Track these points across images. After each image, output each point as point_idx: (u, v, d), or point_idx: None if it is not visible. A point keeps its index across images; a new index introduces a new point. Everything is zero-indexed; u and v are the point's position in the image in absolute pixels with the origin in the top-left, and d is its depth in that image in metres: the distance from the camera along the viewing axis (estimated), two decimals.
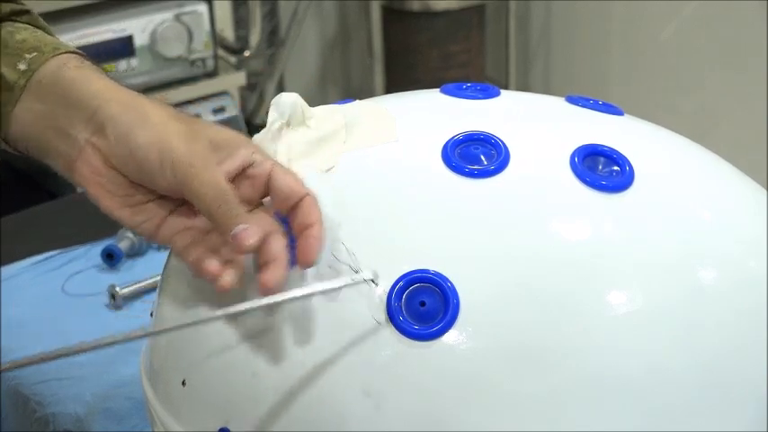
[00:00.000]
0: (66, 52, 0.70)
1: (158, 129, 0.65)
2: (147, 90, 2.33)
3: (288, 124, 0.68)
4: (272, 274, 0.59)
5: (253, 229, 0.60)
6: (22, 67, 0.69)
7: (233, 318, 0.61)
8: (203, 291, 0.65)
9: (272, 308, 0.58)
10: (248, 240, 0.60)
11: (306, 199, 0.62)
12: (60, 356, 0.50)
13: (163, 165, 0.63)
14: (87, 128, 0.66)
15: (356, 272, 0.58)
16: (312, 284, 0.58)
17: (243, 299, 0.60)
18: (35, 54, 0.69)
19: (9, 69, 0.68)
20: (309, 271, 0.60)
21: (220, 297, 0.63)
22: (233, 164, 0.63)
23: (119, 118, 0.65)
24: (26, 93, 0.68)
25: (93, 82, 0.68)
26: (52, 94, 0.68)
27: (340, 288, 0.58)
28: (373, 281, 0.58)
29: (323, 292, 0.58)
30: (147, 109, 0.66)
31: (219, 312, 0.58)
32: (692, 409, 0.57)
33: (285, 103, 0.68)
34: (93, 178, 0.67)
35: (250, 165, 0.64)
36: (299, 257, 0.60)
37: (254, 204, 0.64)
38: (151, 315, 0.74)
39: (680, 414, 0.57)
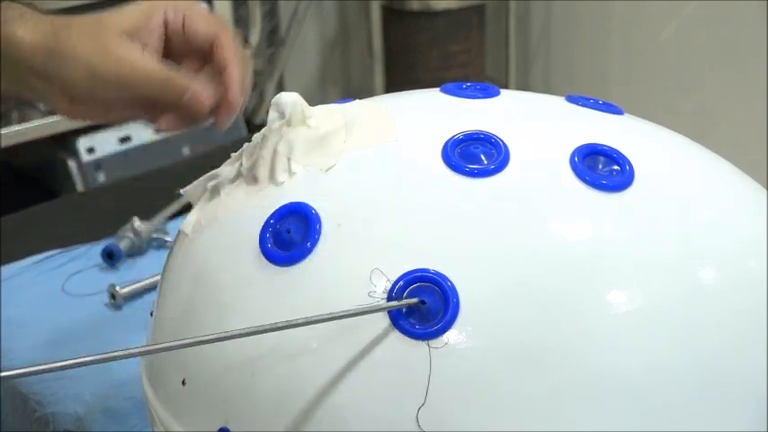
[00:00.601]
0: None
1: (72, 60, 0.70)
2: None
3: (288, 124, 0.68)
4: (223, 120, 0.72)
5: (198, 90, 0.69)
6: None
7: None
8: (203, 290, 0.65)
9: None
10: (201, 102, 0.69)
11: (217, 41, 0.70)
12: (62, 369, 0.50)
13: (102, 91, 0.71)
14: (38, 83, 0.73)
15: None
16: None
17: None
18: None
19: None
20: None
21: (220, 296, 0.63)
22: (153, 38, 0.71)
23: (44, 65, 0.72)
24: None
25: (15, 29, 0.72)
26: None
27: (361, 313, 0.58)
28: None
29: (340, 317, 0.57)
30: (61, 43, 0.71)
31: (224, 334, 0.58)
32: (692, 409, 0.57)
33: (285, 103, 0.68)
34: (71, 111, 0.75)
35: (167, 25, 0.71)
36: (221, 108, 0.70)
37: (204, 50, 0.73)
38: (151, 314, 0.74)
39: (680, 414, 0.57)
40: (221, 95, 0.73)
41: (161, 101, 0.70)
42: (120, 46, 0.71)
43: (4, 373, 0.41)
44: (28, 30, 0.73)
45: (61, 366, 0.48)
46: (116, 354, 0.51)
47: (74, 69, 0.71)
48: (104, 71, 0.71)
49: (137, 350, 0.51)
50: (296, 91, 0.71)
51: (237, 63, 0.74)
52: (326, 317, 0.56)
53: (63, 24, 0.73)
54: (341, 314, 0.56)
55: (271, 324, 0.55)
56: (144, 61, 0.71)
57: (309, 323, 0.56)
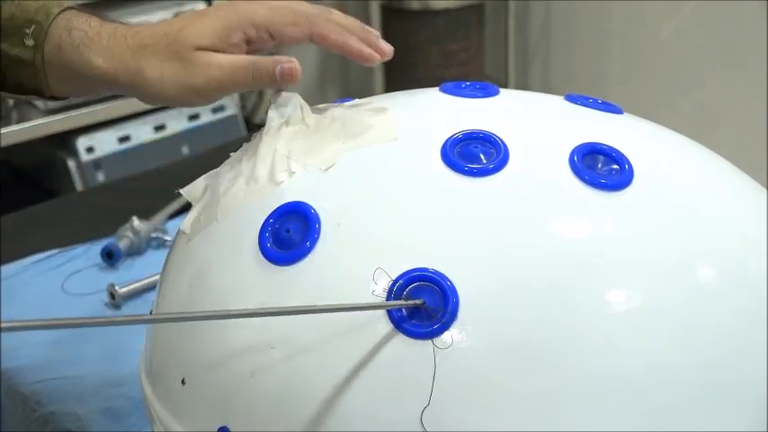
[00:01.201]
0: (56, 15, 0.76)
1: (165, 83, 0.74)
2: None
3: (287, 123, 0.68)
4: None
5: (285, 64, 0.73)
6: (29, 42, 0.73)
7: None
8: (202, 289, 0.65)
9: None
10: (292, 72, 0.72)
11: (314, 38, 0.75)
12: (65, 326, 0.50)
13: (196, 99, 0.75)
14: (123, 92, 0.77)
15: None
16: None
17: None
18: (34, 27, 0.75)
19: (20, 49, 0.72)
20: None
21: (219, 295, 0.63)
22: (237, 39, 0.75)
23: (134, 87, 0.75)
24: (48, 68, 0.76)
25: (91, 56, 0.75)
26: (69, 72, 0.76)
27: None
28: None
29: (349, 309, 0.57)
30: (143, 69, 0.74)
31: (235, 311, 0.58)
32: (691, 409, 0.57)
33: (284, 102, 0.68)
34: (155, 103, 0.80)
35: (250, 42, 0.76)
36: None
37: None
38: (150, 314, 0.74)
39: (680, 414, 0.57)
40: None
41: (257, 87, 0.74)
42: (204, 56, 0.74)
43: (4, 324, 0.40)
44: (103, 56, 0.75)
45: (65, 324, 0.47)
46: (121, 319, 0.50)
47: (162, 88, 0.74)
48: (194, 84, 0.74)
49: (145, 318, 0.51)
50: (295, 90, 0.71)
51: (345, 34, 0.76)
52: (330, 307, 0.56)
53: (138, 45, 0.75)
54: (345, 306, 0.56)
55: (276, 308, 0.55)
56: (229, 60, 0.74)
57: (312, 311, 0.56)
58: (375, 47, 0.76)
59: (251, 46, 0.76)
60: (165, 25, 0.76)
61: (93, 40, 0.76)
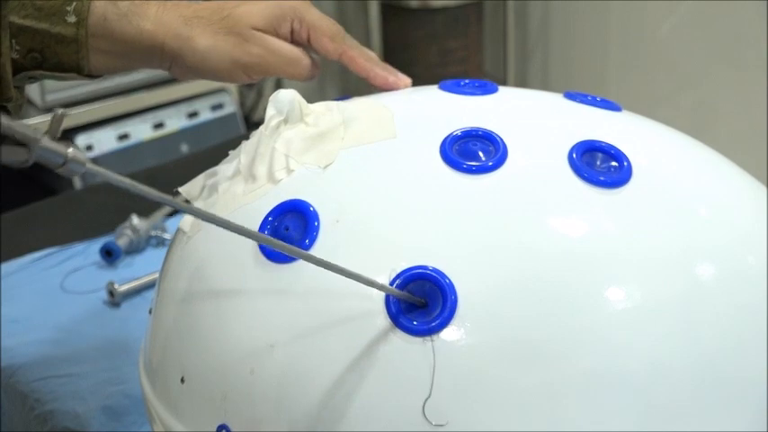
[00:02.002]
0: None
1: (215, 53, 0.78)
2: (148, 86, 2.34)
3: (286, 121, 0.68)
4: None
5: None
6: (71, 19, 0.75)
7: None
8: (202, 287, 0.65)
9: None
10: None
11: (344, 59, 0.81)
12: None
13: (240, 75, 0.80)
14: (161, 64, 0.80)
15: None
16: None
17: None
18: (75, 3, 0.77)
19: (62, 26, 0.74)
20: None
21: (219, 293, 0.63)
22: (285, 29, 0.80)
23: (181, 54, 0.78)
24: (91, 41, 0.78)
25: (140, 24, 0.78)
26: (112, 43, 0.79)
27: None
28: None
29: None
30: (195, 36, 0.78)
31: None
32: (690, 406, 0.57)
33: (283, 100, 0.68)
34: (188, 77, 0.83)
35: (292, 33, 0.80)
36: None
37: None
38: (149, 312, 0.74)
39: (678, 410, 0.57)
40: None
41: (300, 80, 0.79)
42: (261, 37, 0.79)
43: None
44: (153, 21, 0.79)
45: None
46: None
47: (210, 58, 0.78)
48: (245, 62, 0.79)
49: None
50: (294, 88, 0.71)
51: (372, 61, 0.81)
52: (336, 267, 0.56)
53: (192, 15, 0.79)
54: (351, 273, 0.56)
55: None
56: (287, 47, 0.80)
57: (321, 264, 0.56)
58: (395, 75, 0.81)
59: (291, 37, 0.81)
60: (219, 1, 0.80)
61: (142, 8, 0.79)
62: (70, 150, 0.43)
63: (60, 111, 0.44)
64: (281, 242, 0.55)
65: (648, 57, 2.55)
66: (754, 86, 2.29)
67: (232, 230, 0.51)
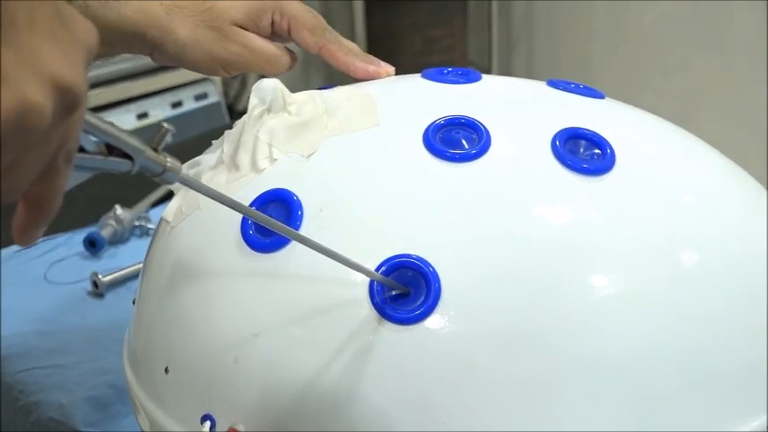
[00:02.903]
0: None
1: (194, 47, 0.78)
2: (132, 76, 2.33)
3: (269, 110, 0.68)
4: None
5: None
6: None
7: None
8: (185, 277, 0.65)
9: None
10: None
11: (324, 53, 0.80)
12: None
13: (219, 70, 0.79)
14: (142, 50, 0.80)
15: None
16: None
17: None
18: None
19: None
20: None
21: (202, 283, 0.63)
22: (261, 35, 0.80)
23: (161, 44, 0.78)
24: None
25: (122, 11, 0.78)
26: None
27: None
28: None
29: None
30: (176, 28, 0.78)
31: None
32: (677, 393, 0.57)
33: (266, 89, 0.68)
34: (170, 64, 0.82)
35: (273, 25, 0.80)
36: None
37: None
38: (133, 302, 0.74)
39: (665, 398, 0.57)
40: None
41: (273, 74, 0.78)
42: (241, 34, 0.78)
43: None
44: (134, 8, 0.78)
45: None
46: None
47: (191, 51, 0.78)
48: (225, 58, 0.79)
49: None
50: (279, 77, 0.71)
51: (352, 55, 0.81)
52: (322, 247, 0.56)
53: (173, 5, 0.79)
54: (339, 256, 0.56)
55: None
56: (265, 46, 0.80)
57: (313, 246, 0.56)
58: (377, 65, 0.81)
59: (272, 28, 0.81)
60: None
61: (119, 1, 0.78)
62: (169, 161, 0.46)
63: (166, 125, 0.46)
64: (282, 225, 0.56)
65: (632, 45, 2.55)
66: (737, 74, 2.29)
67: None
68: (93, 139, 0.43)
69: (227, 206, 0.53)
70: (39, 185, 0.39)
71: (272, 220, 0.55)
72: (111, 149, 0.43)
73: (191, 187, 0.50)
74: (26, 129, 0.35)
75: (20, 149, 0.36)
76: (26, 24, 0.35)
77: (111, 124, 0.43)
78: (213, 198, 0.52)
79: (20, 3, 0.34)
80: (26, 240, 0.43)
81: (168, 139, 0.47)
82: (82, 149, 0.43)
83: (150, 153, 0.45)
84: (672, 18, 2.42)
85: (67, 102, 0.37)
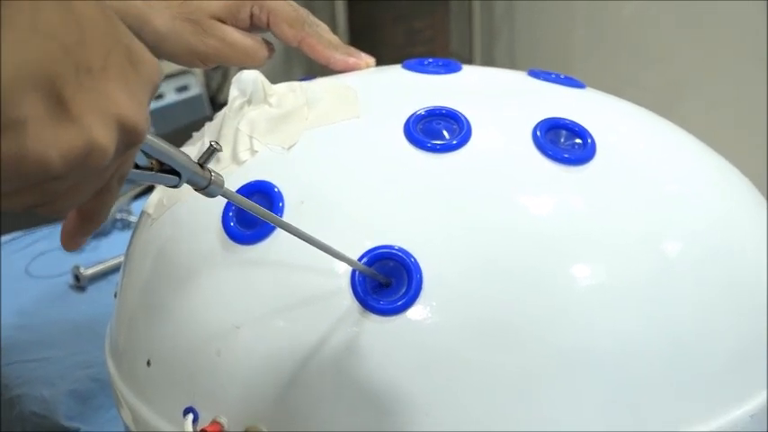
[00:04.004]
0: None
1: (172, 39, 0.77)
2: None
3: (249, 102, 0.68)
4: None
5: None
6: None
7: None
8: (167, 270, 0.65)
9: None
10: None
11: (304, 47, 0.80)
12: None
13: (197, 62, 0.78)
14: None
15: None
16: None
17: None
18: None
19: None
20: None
21: (183, 275, 0.63)
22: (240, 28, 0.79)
23: (139, 34, 0.73)
24: None
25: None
26: None
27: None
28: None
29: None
30: (154, 18, 0.76)
31: None
32: (661, 383, 0.58)
33: (246, 81, 0.68)
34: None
35: (252, 18, 0.80)
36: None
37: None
38: (115, 296, 0.74)
39: (649, 388, 0.57)
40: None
41: (251, 67, 0.77)
42: (219, 28, 0.78)
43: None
44: None
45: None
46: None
47: (168, 44, 0.77)
48: (203, 51, 0.78)
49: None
50: (260, 69, 0.71)
51: (332, 48, 0.81)
52: (308, 237, 0.55)
53: None
54: (323, 245, 0.56)
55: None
56: (243, 40, 0.79)
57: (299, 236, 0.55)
58: (357, 56, 0.80)
59: (251, 21, 0.81)
60: None
61: None
62: (213, 175, 0.48)
63: (215, 144, 0.47)
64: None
65: (613, 36, 2.56)
66: (719, 64, 2.30)
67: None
68: (146, 156, 0.45)
69: (268, 220, 0.54)
70: (90, 202, 0.41)
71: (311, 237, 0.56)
72: (161, 165, 0.45)
73: (233, 201, 0.51)
74: (89, 165, 0.36)
75: (79, 179, 0.37)
76: (100, 68, 0.36)
77: (163, 142, 0.44)
78: (252, 212, 0.53)
79: (96, 48, 0.36)
80: (72, 246, 0.45)
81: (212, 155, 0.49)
82: (134, 165, 0.45)
83: (197, 169, 0.47)
84: (652, 9, 2.42)
85: (130, 140, 0.39)
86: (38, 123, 0.34)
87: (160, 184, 0.46)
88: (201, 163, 0.47)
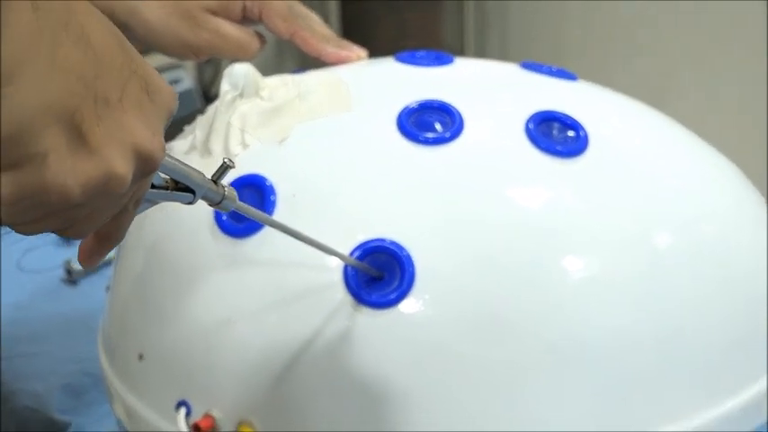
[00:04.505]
0: None
1: (164, 32, 0.77)
2: None
3: (241, 95, 0.68)
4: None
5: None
6: None
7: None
8: (159, 264, 0.65)
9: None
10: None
11: (296, 40, 0.80)
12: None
13: (189, 54, 0.78)
14: None
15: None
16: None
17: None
18: None
19: None
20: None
21: (175, 269, 0.63)
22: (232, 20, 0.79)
23: (130, 26, 0.77)
24: None
25: None
26: None
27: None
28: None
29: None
30: (145, 11, 0.76)
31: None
32: (653, 376, 0.58)
33: (238, 75, 0.68)
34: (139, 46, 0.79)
35: (244, 11, 0.79)
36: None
37: None
38: (107, 290, 0.74)
39: (640, 381, 0.57)
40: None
41: (243, 60, 0.76)
42: (211, 20, 0.78)
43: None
44: None
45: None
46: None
47: (161, 36, 0.77)
48: (195, 44, 0.78)
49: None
50: (252, 62, 0.70)
51: (324, 41, 0.80)
52: (303, 236, 0.55)
53: None
54: (313, 241, 0.56)
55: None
56: (235, 32, 0.79)
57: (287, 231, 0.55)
58: (349, 49, 0.80)
59: (243, 14, 0.80)
60: None
61: None
62: (226, 190, 0.49)
63: (228, 160, 0.48)
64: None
65: (606, 28, 2.56)
66: (712, 56, 2.30)
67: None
68: (161, 174, 0.46)
69: (282, 231, 0.55)
70: (108, 224, 0.43)
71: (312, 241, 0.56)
72: (176, 183, 0.46)
73: (247, 214, 0.52)
74: (107, 193, 0.38)
75: (98, 206, 0.39)
76: (117, 99, 0.38)
77: (178, 161, 0.45)
78: (266, 223, 0.54)
79: (114, 80, 0.37)
80: (90, 264, 0.46)
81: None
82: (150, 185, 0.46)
83: (211, 185, 0.48)
84: (646, 2, 2.42)
85: (146, 168, 0.40)
86: (58, 155, 0.36)
87: (175, 201, 0.47)
88: (215, 179, 0.48)
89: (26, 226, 0.38)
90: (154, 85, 0.41)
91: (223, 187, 0.49)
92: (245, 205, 0.52)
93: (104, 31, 0.38)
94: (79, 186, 0.36)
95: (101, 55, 0.37)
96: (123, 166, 0.38)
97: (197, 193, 0.47)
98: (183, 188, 0.47)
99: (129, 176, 0.39)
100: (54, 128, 0.35)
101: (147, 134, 0.39)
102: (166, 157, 0.44)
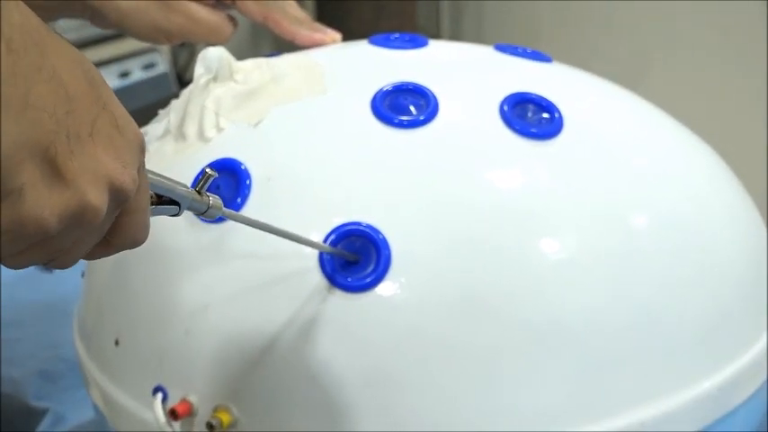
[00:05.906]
0: None
1: (137, 16, 0.76)
2: (78, 46, 2.30)
3: (215, 79, 0.67)
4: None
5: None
6: None
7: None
8: (134, 249, 0.65)
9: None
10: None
11: (270, 23, 0.79)
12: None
13: (161, 39, 0.78)
14: (82, 15, 0.78)
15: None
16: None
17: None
18: None
19: None
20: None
21: (150, 253, 0.63)
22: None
23: (101, 11, 0.77)
24: None
25: None
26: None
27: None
28: None
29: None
30: (126, 4, 0.76)
31: None
32: (628, 353, 0.58)
33: (211, 58, 0.67)
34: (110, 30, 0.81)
35: None
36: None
37: None
38: (83, 275, 0.73)
39: (616, 358, 0.58)
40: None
41: (216, 43, 0.76)
42: (183, 5, 0.77)
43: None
44: None
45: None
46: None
47: (133, 21, 0.77)
48: (167, 28, 0.77)
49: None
50: (227, 46, 0.70)
51: (297, 24, 0.80)
52: (278, 230, 0.55)
53: None
54: (290, 234, 0.56)
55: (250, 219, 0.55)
56: (207, 16, 0.78)
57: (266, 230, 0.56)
58: (323, 32, 0.80)
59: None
60: None
61: None
62: (211, 200, 0.49)
63: (209, 170, 0.49)
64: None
65: (581, 10, 2.56)
66: (686, 38, 2.30)
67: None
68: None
69: (271, 233, 0.55)
70: (91, 251, 0.44)
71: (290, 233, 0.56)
72: (160, 197, 0.47)
73: (235, 220, 0.53)
74: (83, 224, 0.39)
75: (78, 236, 0.41)
76: (87, 134, 0.39)
77: (161, 176, 0.46)
78: (254, 227, 0.54)
79: (84, 116, 0.39)
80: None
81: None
82: None
83: (195, 196, 0.48)
84: None
85: (120, 199, 0.41)
86: (34, 189, 0.37)
87: (161, 215, 0.48)
88: (198, 190, 0.49)
89: (12, 258, 0.40)
90: (123, 123, 0.42)
91: (208, 197, 0.49)
92: (232, 211, 0.53)
93: (75, 69, 0.39)
94: (55, 217, 0.38)
95: (71, 92, 0.38)
96: (98, 198, 0.39)
97: (182, 204, 0.48)
98: (167, 201, 0.47)
99: (104, 207, 0.40)
100: (29, 163, 0.37)
101: (117, 166, 0.40)
102: (149, 174, 0.45)
